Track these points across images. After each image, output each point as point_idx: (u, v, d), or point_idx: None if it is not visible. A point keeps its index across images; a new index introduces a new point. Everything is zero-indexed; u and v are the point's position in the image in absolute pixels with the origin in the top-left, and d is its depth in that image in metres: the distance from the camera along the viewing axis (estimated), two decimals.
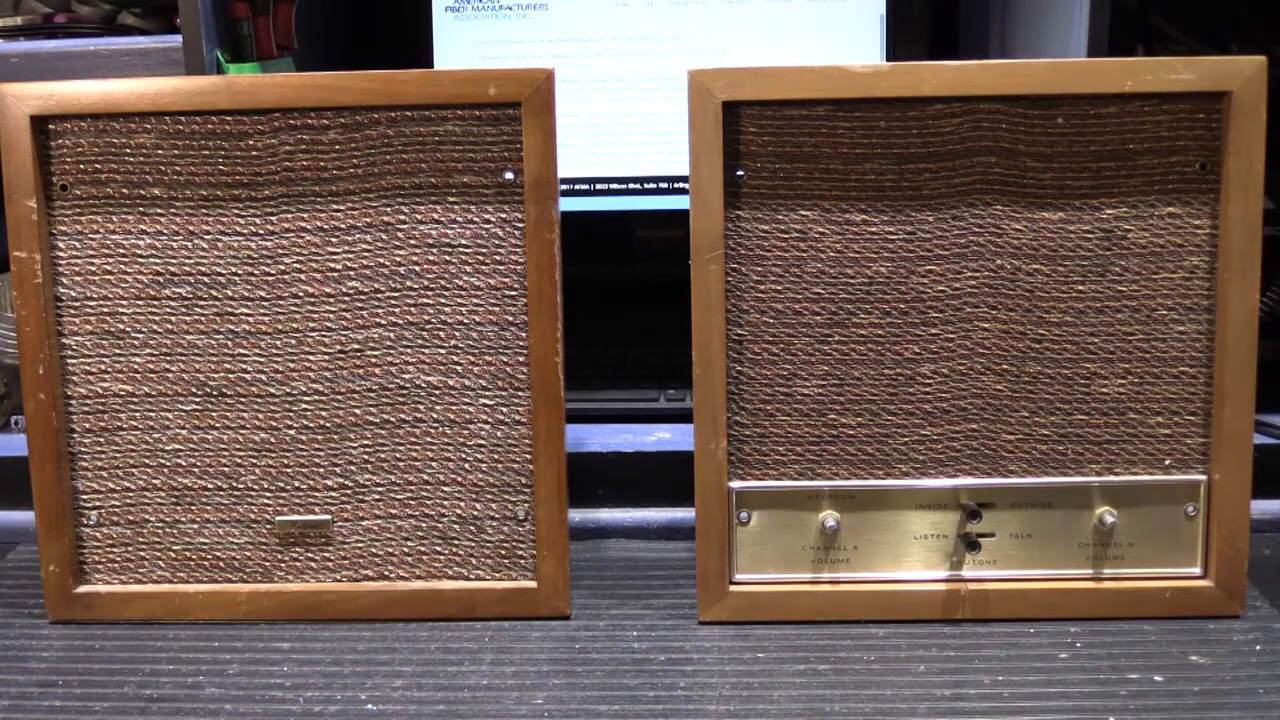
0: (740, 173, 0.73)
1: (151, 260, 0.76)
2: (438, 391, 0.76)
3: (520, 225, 0.74)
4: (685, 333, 0.73)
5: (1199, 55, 0.71)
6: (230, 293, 0.76)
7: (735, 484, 0.75)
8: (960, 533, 0.75)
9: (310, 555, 0.78)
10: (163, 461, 0.77)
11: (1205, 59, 0.71)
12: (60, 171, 0.75)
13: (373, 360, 0.76)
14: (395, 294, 0.75)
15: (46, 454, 0.76)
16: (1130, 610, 0.74)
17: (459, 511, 0.77)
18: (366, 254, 0.75)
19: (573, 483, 0.76)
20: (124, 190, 0.75)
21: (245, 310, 0.76)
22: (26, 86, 0.74)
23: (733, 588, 0.76)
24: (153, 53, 0.87)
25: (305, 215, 0.75)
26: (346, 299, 0.76)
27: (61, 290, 0.76)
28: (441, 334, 0.76)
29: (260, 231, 0.75)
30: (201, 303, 0.76)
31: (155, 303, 0.76)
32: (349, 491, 0.77)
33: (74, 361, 0.77)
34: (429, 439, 0.77)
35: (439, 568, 0.78)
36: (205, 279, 0.76)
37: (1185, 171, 0.72)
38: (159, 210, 0.75)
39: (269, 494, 0.77)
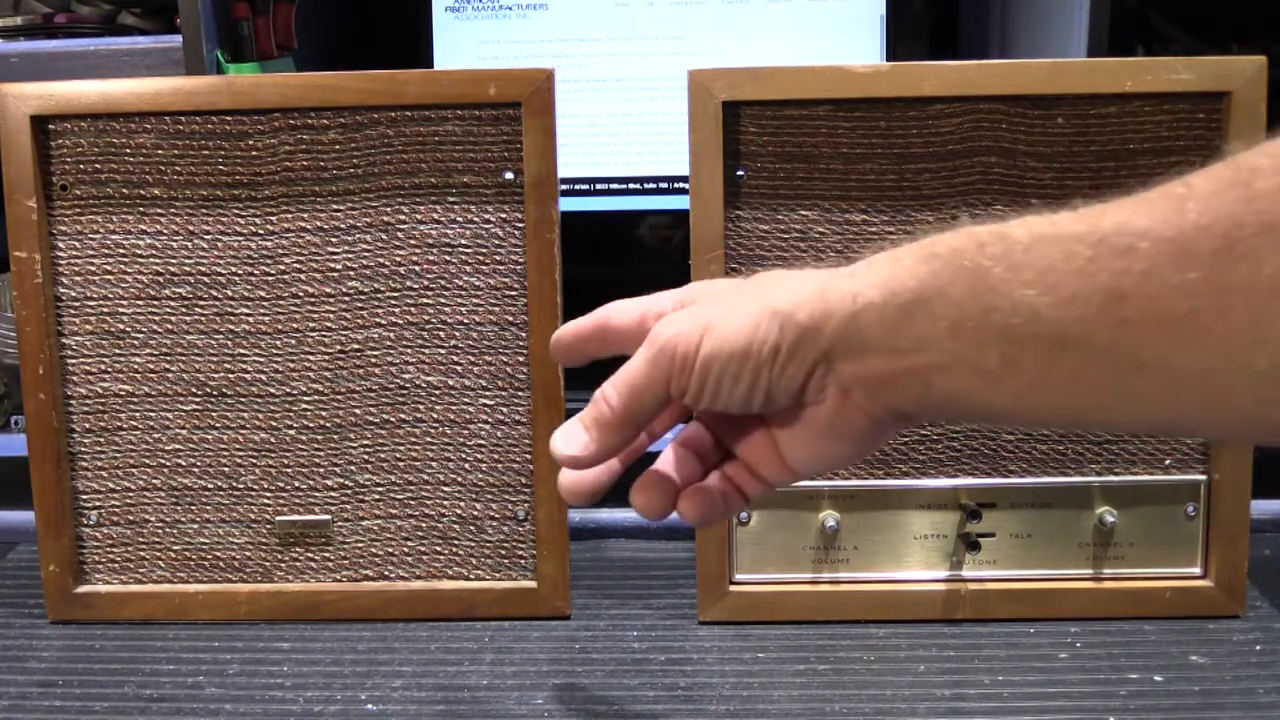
0: (740, 173, 0.73)
1: (151, 260, 0.76)
2: (438, 391, 0.76)
3: (520, 225, 0.74)
4: None
5: (1199, 55, 0.71)
6: (230, 293, 0.76)
7: None
8: (960, 533, 0.75)
9: (310, 555, 0.78)
10: (163, 461, 0.77)
11: (1205, 59, 0.71)
12: (60, 171, 0.75)
13: (373, 360, 0.76)
14: (395, 294, 0.75)
15: (46, 454, 0.76)
16: (1130, 610, 0.74)
17: (459, 511, 0.77)
18: (366, 254, 0.75)
19: None
20: (124, 190, 0.75)
21: (245, 310, 0.76)
22: (26, 86, 0.74)
23: (733, 588, 0.76)
24: (153, 53, 0.87)
25: (305, 215, 0.75)
26: (346, 299, 0.76)
27: (61, 290, 0.76)
28: (441, 334, 0.76)
29: (260, 231, 0.75)
30: (201, 303, 0.76)
31: (155, 303, 0.76)
32: (349, 491, 0.77)
33: (74, 361, 0.77)
34: (429, 439, 0.77)
35: (439, 568, 0.78)
36: (205, 279, 0.76)
37: (1185, 171, 0.72)
38: (159, 210, 0.75)
39: (269, 494, 0.77)
